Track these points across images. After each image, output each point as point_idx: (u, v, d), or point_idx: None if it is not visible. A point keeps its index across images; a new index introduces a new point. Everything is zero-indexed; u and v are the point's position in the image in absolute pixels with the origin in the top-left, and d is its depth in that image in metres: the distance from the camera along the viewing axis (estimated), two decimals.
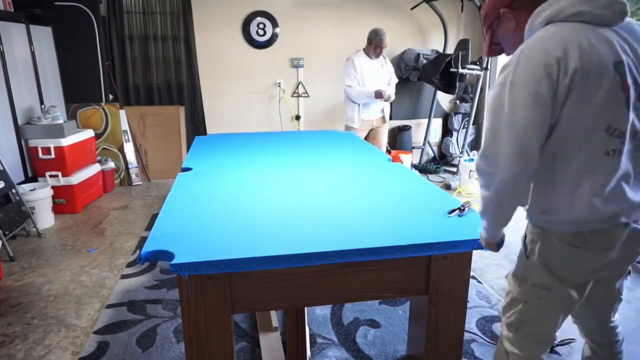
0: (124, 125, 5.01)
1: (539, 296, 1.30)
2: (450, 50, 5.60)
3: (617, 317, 1.55)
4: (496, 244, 1.36)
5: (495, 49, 1.44)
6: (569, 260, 1.25)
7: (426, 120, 5.79)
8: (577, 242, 1.22)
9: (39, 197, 3.69)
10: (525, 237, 1.33)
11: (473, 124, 5.72)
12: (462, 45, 5.17)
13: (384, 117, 4.22)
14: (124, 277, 2.90)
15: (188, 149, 2.94)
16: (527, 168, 1.17)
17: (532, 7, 1.24)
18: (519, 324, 1.35)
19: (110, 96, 5.03)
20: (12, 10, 3.96)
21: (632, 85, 1.15)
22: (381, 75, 4.09)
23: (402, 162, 4.71)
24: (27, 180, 3.96)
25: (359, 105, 4.03)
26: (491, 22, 1.38)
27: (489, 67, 5.28)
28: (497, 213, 1.28)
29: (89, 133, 4.52)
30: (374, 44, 3.98)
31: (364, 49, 4.07)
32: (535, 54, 1.14)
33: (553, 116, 1.15)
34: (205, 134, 5.53)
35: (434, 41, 5.88)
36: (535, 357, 1.37)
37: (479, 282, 2.81)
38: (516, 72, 1.15)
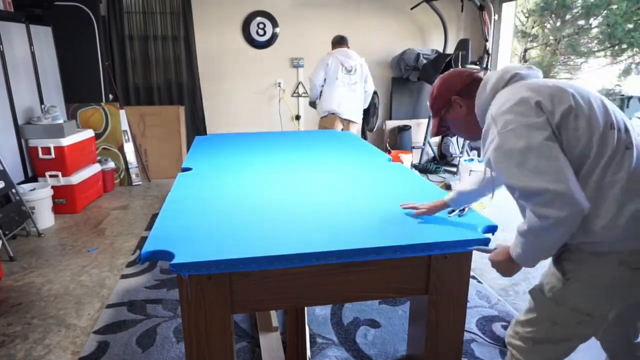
0: (124, 125, 5.01)
1: (577, 321, 1.25)
2: (450, 50, 5.60)
3: None
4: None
5: (442, 130, 1.51)
6: (623, 284, 1.20)
7: (426, 120, 5.78)
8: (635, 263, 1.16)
9: (39, 197, 3.69)
10: (561, 258, 1.26)
11: None
12: (462, 45, 5.17)
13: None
14: (124, 277, 2.90)
15: (188, 149, 2.93)
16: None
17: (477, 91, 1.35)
18: (540, 341, 1.31)
19: (110, 96, 5.03)
20: (12, 10, 3.96)
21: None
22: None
23: (402, 162, 4.71)
24: (27, 180, 3.96)
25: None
26: (440, 107, 1.46)
27: (489, 67, 5.28)
28: (551, 251, 1.22)
29: (89, 133, 4.52)
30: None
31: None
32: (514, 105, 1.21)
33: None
34: (205, 134, 5.53)
35: (434, 41, 5.88)
36: None
37: (479, 282, 2.81)
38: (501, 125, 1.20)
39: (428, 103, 1.53)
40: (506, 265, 1.31)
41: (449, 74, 1.48)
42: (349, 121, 4.30)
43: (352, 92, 4.24)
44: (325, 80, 4.21)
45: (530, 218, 1.17)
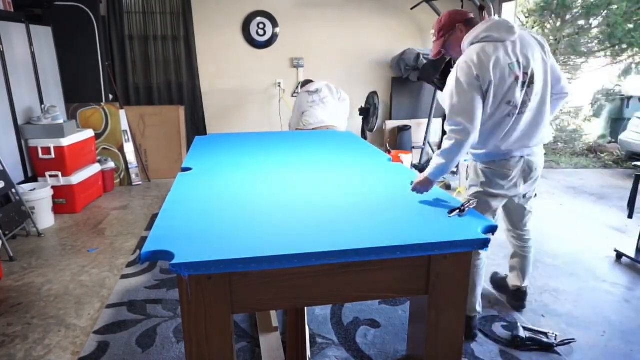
0: (124, 125, 5.01)
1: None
2: None
3: (529, 228, 2.42)
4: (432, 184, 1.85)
5: (440, 52, 2.16)
6: (488, 178, 2.10)
7: (426, 120, 5.78)
8: (489, 166, 2.10)
9: (39, 197, 3.69)
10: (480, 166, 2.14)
11: None
12: None
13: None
14: (124, 277, 2.90)
15: (188, 149, 2.93)
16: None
17: (473, 26, 2.00)
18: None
19: (110, 96, 5.03)
20: (12, 10, 3.96)
21: (521, 75, 1.92)
22: None
23: (402, 162, 4.71)
24: (27, 180, 3.96)
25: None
26: (446, 31, 2.08)
27: None
28: (455, 162, 1.90)
29: (89, 133, 4.52)
30: None
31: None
32: (464, 66, 1.92)
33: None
34: (205, 134, 5.54)
35: None
36: None
37: None
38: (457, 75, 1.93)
39: (435, 27, 2.12)
40: (422, 184, 1.83)
41: (454, 10, 2.12)
42: (328, 126, 4.30)
43: (323, 104, 4.23)
44: (302, 114, 4.28)
45: (445, 144, 1.90)
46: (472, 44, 1.96)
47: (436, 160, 1.90)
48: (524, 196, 2.29)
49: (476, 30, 1.95)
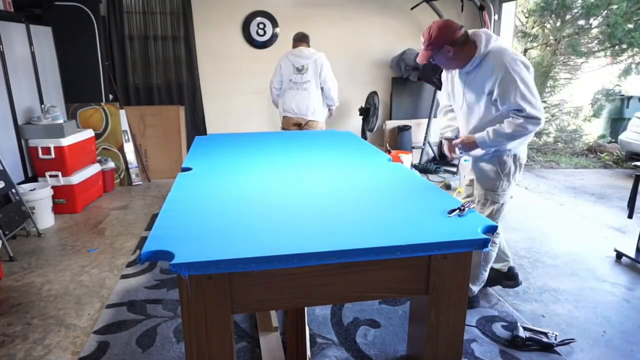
0: (124, 125, 5.01)
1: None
2: None
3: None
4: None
5: (429, 61, 2.20)
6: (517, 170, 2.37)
7: (426, 120, 5.79)
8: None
9: (39, 197, 3.69)
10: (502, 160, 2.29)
11: None
12: None
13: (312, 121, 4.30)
14: (124, 277, 2.90)
15: (188, 149, 2.93)
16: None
17: (464, 46, 2.14)
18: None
19: (110, 96, 5.03)
20: (12, 10, 3.96)
21: None
22: None
23: (402, 162, 4.71)
24: (27, 180, 3.96)
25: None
26: (433, 48, 2.13)
27: None
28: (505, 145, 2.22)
29: (89, 133, 4.52)
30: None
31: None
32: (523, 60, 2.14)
33: None
34: (205, 134, 5.54)
35: None
36: None
37: None
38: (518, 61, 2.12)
39: (422, 39, 2.15)
40: (469, 146, 2.26)
41: (445, 23, 2.13)
42: (308, 121, 4.26)
43: (304, 90, 4.18)
44: (282, 82, 4.26)
45: (513, 128, 2.09)
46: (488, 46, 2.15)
47: (496, 138, 2.13)
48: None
49: (487, 37, 2.15)
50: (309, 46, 4.28)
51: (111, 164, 4.86)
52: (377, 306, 2.53)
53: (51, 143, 3.98)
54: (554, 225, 3.84)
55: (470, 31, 2.19)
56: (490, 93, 2.14)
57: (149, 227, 3.73)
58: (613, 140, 7.07)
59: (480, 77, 2.17)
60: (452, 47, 2.11)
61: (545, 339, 2.18)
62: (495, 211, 2.36)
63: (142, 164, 5.23)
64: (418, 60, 2.25)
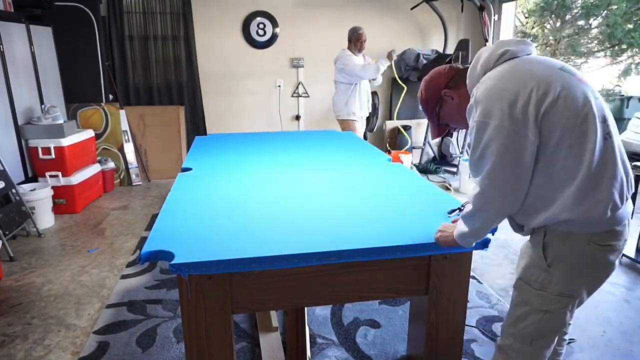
0: (124, 125, 5.01)
1: (563, 305, 1.28)
2: (450, 50, 5.60)
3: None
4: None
5: (443, 129, 1.56)
6: (594, 262, 1.26)
7: (426, 120, 5.77)
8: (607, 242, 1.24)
9: (39, 197, 3.69)
10: (543, 248, 1.28)
11: None
12: (462, 45, 5.17)
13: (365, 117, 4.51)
14: (124, 277, 2.90)
15: (188, 149, 2.94)
16: None
17: (464, 82, 1.41)
18: (537, 335, 1.31)
19: (110, 96, 5.03)
20: (12, 10, 3.96)
21: None
22: None
23: (402, 162, 4.71)
24: (27, 180, 3.96)
25: (357, 95, 4.32)
26: (434, 106, 1.50)
27: None
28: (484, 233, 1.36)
29: (89, 133, 4.52)
30: (354, 40, 4.33)
31: (347, 48, 4.37)
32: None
33: None
34: (205, 134, 5.53)
35: (433, 41, 5.87)
36: None
37: (479, 282, 2.81)
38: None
39: (420, 107, 1.56)
40: (448, 242, 1.39)
41: (430, 74, 1.53)
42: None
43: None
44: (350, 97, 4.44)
45: (469, 204, 1.32)
46: (485, 71, 1.36)
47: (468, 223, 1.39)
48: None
49: (484, 55, 1.37)
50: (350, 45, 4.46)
51: (111, 164, 4.86)
52: (377, 306, 2.53)
53: (51, 143, 3.97)
54: None
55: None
56: None
57: (149, 227, 3.72)
58: None
59: None
60: (451, 89, 1.46)
61: None
62: (526, 318, 1.34)
63: (142, 164, 5.22)
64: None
